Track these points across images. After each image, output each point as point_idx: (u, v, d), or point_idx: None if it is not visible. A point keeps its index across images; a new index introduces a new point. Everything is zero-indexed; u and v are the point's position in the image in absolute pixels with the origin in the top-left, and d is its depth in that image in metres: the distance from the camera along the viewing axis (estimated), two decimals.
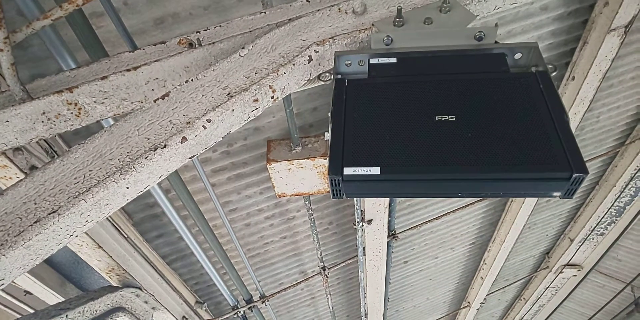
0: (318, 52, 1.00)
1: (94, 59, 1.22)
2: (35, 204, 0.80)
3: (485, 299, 5.58)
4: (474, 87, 0.83)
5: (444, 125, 0.77)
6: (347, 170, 0.73)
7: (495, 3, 1.09)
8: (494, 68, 0.88)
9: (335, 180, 0.74)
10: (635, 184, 4.05)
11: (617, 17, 1.96)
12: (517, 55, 0.91)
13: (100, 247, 1.78)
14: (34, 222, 0.76)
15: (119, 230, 1.93)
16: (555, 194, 0.74)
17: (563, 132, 0.74)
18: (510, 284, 5.87)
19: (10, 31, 0.87)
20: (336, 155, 0.75)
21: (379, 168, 0.73)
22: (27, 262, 0.77)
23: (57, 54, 1.18)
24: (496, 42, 0.94)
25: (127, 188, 0.83)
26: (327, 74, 1.00)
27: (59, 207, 0.77)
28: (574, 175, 0.68)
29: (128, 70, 0.99)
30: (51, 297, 2.17)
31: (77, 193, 0.80)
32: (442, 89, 0.84)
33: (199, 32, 1.08)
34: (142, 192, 0.86)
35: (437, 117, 0.79)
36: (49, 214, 0.77)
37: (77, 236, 0.81)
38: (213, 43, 1.04)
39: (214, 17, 1.50)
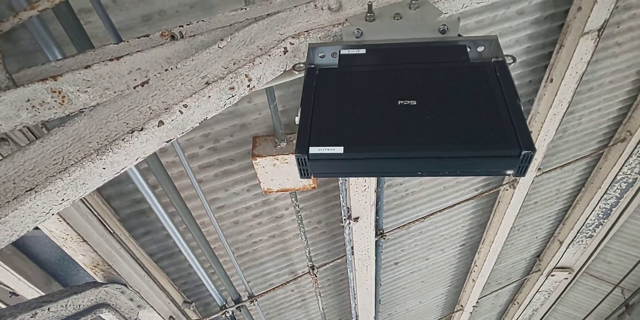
0: (293, 44, 1.05)
1: (81, 52, 1.26)
2: (14, 184, 0.83)
3: (477, 302, 5.57)
4: (435, 74, 0.89)
5: (405, 109, 0.82)
6: (313, 150, 0.78)
7: (462, 2, 1.15)
8: (455, 58, 0.93)
9: (301, 159, 0.78)
10: (620, 186, 4.13)
11: (589, 21, 2.06)
12: (480, 48, 0.96)
13: (84, 241, 1.80)
14: (12, 199, 0.79)
15: (104, 225, 1.94)
16: (508, 171, 0.79)
17: (515, 115, 0.79)
18: (503, 288, 5.88)
19: None
20: (303, 136, 0.80)
21: (342, 147, 0.77)
22: (3, 238, 0.80)
23: (45, 46, 1.22)
24: (459, 35, 1.00)
25: (104, 168, 0.86)
26: (302, 65, 1.05)
27: (36, 186, 0.80)
28: (523, 153, 0.73)
29: (111, 59, 1.03)
30: (36, 296, 2.16)
31: (54, 173, 0.83)
32: (406, 76, 0.89)
33: (182, 26, 1.13)
34: (118, 174, 0.89)
35: (399, 102, 0.84)
36: (26, 191, 0.80)
37: (53, 214, 0.84)
38: (194, 35, 1.09)
39: (199, 14, 1.56)
